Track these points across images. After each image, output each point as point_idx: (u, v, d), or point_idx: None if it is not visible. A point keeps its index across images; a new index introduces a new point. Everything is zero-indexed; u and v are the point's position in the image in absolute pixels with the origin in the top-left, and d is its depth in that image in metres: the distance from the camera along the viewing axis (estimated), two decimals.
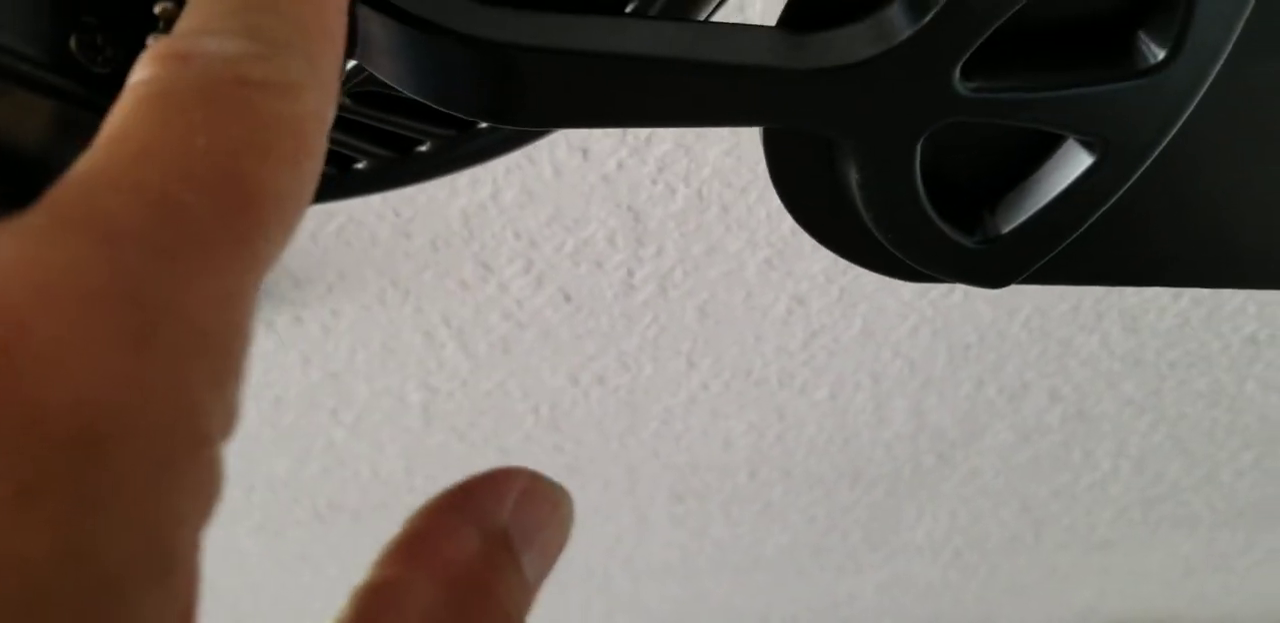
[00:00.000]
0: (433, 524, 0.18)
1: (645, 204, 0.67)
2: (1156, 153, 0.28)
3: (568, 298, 0.76)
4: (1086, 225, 0.29)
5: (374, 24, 0.24)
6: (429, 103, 0.26)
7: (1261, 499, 1.04)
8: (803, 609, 1.30)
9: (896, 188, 0.28)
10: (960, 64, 0.25)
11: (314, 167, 0.17)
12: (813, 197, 0.29)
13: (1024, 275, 0.30)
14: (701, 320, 0.79)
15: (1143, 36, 0.26)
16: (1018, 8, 0.24)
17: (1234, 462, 0.98)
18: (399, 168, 0.36)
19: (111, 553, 0.12)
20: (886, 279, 0.76)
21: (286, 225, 0.16)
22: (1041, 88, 0.26)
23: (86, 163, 0.15)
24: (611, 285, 0.74)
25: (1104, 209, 0.29)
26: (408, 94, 0.26)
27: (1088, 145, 0.28)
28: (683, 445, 0.94)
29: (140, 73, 0.16)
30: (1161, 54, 0.26)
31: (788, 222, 0.69)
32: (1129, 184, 0.28)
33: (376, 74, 0.27)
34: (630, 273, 0.74)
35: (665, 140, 0.62)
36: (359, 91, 0.31)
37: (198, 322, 0.14)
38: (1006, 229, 0.29)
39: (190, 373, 0.14)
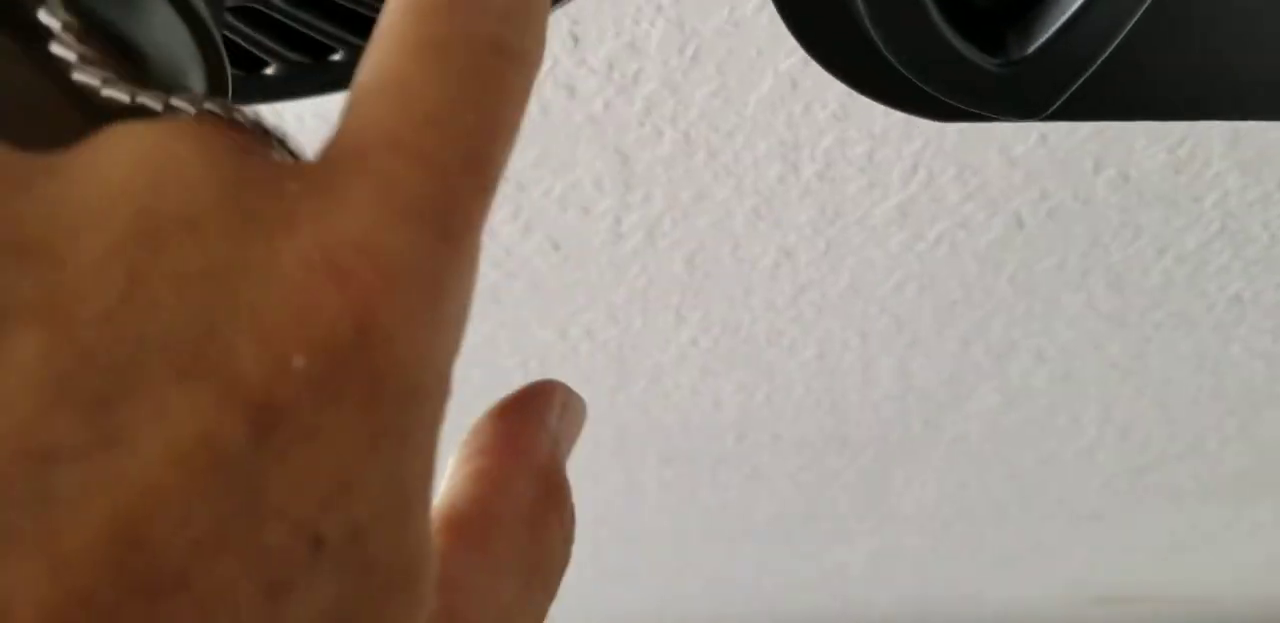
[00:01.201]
0: (516, 427, 0.21)
1: (633, 147, 0.66)
2: None
3: (556, 246, 0.75)
4: (1114, 44, 0.27)
5: None
6: None
7: (1246, 470, 1.03)
8: (794, 579, 1.29)
9: (906, 8, 0.26)
10: None
11: (516, 136, 0.18)
12: (821, 21, 0.28)
13: (1055, 104, 0.28)
14: (690, 272, 0.78)
15: None
16: None
17: (1219, 429, 0.97)
18: (312, 75, 0.35)
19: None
20: (872, 232, 0.75)
21: (502, 173, 0.17)
22: None
23: (375, 108, 0.16)
24: (599, 233, 0.74)
25: (1128, 26, 0.27)
26: None
27: None
28: (672, 403, 0.94)
29: None
30: None
31: (774, 168, 0.69)
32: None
33: None
34: (618, 220, 0.73)
35: (651, 79, 0.62)
36: None
37: (467, 298, 0.16)
38: (1030, 49, 0.27)
39: (457, 344, 0.16)
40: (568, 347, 0.86)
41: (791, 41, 0.59)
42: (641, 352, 0.87)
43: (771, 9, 0.58)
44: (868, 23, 0.26)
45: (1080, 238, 0.73)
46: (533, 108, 0.64)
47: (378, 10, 0.23)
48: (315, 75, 0.35)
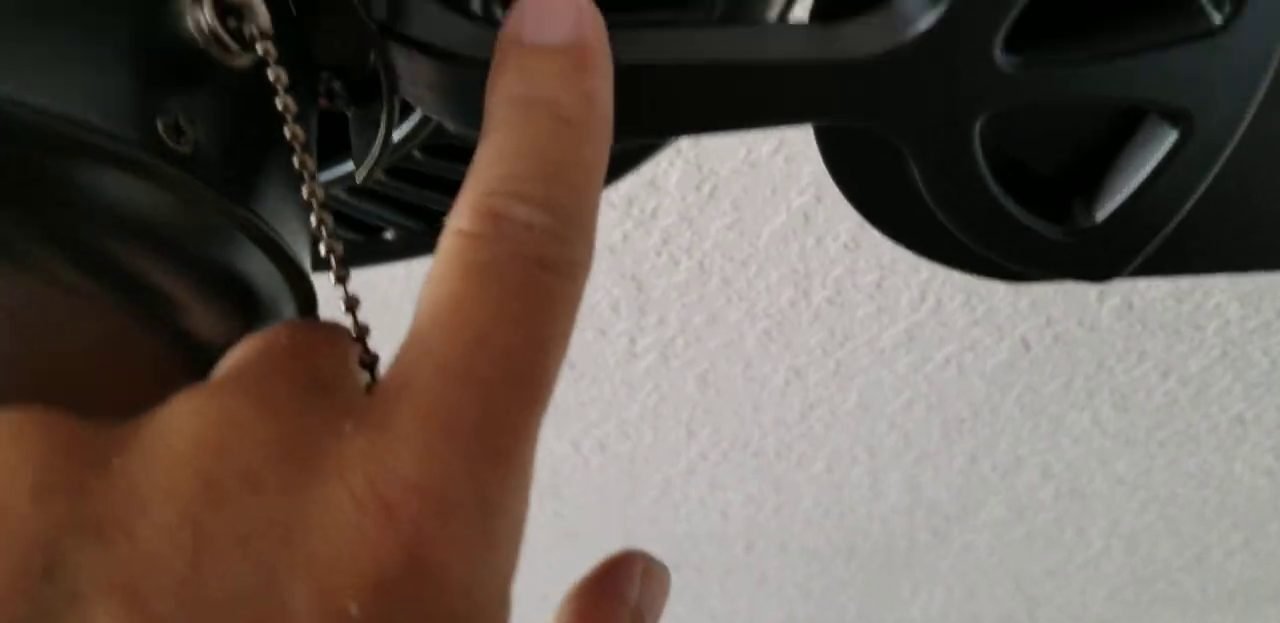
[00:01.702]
0: (598, 606, 0.22)
1: (649, 275, 0.68)
2: (1243, 125, 0.25)
3: (571, 364, 0.76)
4: (1185, 209, 0.26)
5: (406, 60, 0.24)
6: (466, 132, 0.26)
7: (1251, 581, 1.03)
8: None
9: (961, 180, 0.26)
10: (999, 41, 0.23)
11: (570, 340, 0.19)
12: (881, 196, 0.27)
13: (1126, 269, 0.27)
14: (702, 390, 0.79)
15: None
16: None
17: (1224, 542, 0.97)
18: (427, 238, 0.36)
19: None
20: (881, 354, 0.76)
21: (548, 400, 0.18)
22: (1098, 57, 0.24)
23: (428, 334, 0.17)
24: (614, 353, 0.75)
25: (1200, 190, 0.26)
26: (462, 130, 0.26)
27: (1169, 118, 0.25)
28: (681, 515, 0.94)
29: (458, 221, 0.18)
30: (1225, 9, 0.23)
31: (786, 294, 0.70)
32: (1221, 160, 0.26)
33: (428, 113, 0.27)
34: (633, 341, 0.74)
35: (669, 213, 0.63)
36: (430, 145, 0.32)
37: (521, 511, 0.17)
38: (1100, 218, 0.26)
39: (514, 556, 0.17)
40: (580, 459, 0.87)
41: (805, 180, 0.60)
42: (652, 465, 0.87)
43: (786, 151, 0.60)
44: (927, 197, 0.26)
45: (1085, 361, 0.74)
46: None
47: None
48: (430, 238, 0.36)
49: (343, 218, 0.37)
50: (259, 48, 0.20)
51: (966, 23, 0.23)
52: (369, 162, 0.28)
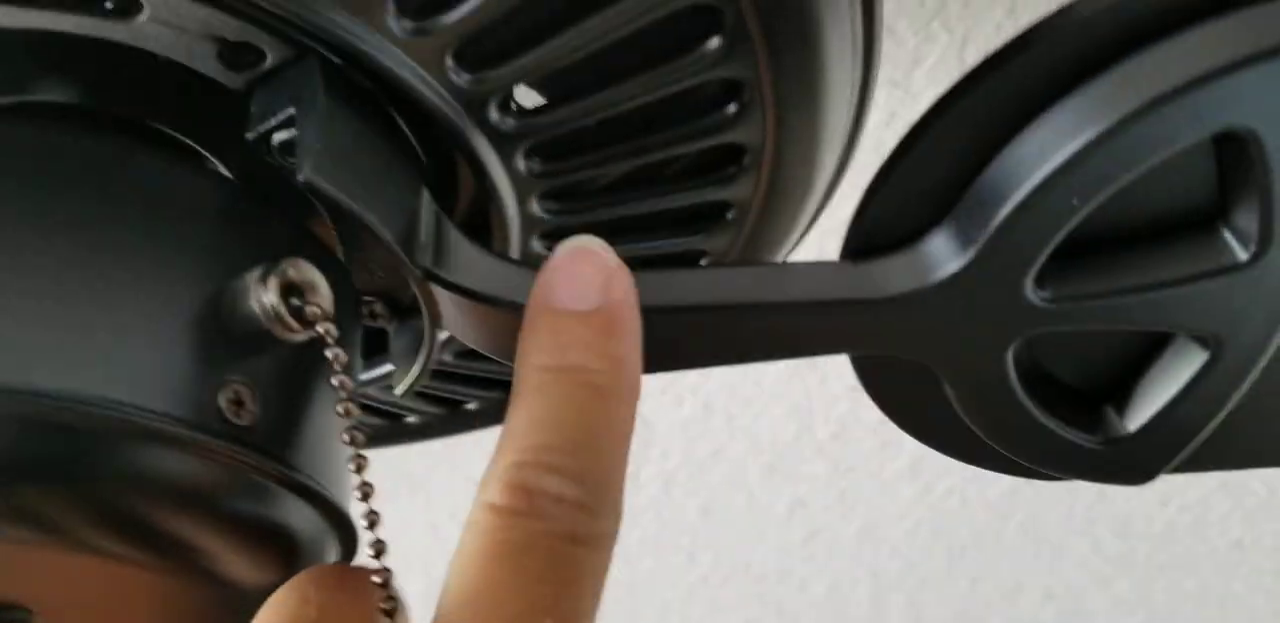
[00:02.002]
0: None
1: (654, 411, 0.68)
2: (1275, 343, 0.25)
3: None
4: (1217, 420, 0.26)
5: (450, 301, 0.25)
6: (503, 361, 0.26)
7: None
8: None
9: (997, 401, 0.26)
10: (1029, 280, 0.24)
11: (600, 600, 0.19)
12: (919, 412, 0.28)
13: (1161, 472, 0.27)
14: (703, 518, 0.78)
15: (1225, 230, 0.24)
16: (1069, 230, 0.23)
17: None
18: (448, 422, 0.37)
19: None
20: (885, 485, 0.76)
21: None
22: (1126, 291, 0.24)
23: (459, 617, 0.18)
24: None
25: (1232, 404, 0.26)
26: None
27: (1199, 340, 0.26)
28: None
29: (490, 494, 0.19)
30: (1251, 247, 0.24)
31: (790, 429, 0.71)
32: (1253, 376, 0.26)
33: (472, 346, 0.28)
34: (636, 471, 0.74)
35: None
36: (460, 350, 0.33)
37: None
38: (1133, 428, 0.27)
39: None
40: None
41: None
42: (652, 590, 0.86)
43: None
44: (963, 416, 0.27)
45: (1086, 489, 0.75)
46: None
47: (503, 373, 0.24)
48: (451, 422, 0.37)
49: (370, 409, 0.38)
50: (320, 328, 0.21)
51: (996, 265, 0.24)
52: (409, 379, 0.29)
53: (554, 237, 0.29)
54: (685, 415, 0.68)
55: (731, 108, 0.26)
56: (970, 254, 0.24)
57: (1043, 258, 0.24)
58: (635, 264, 0.24)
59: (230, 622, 0.22)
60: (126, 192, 0.22)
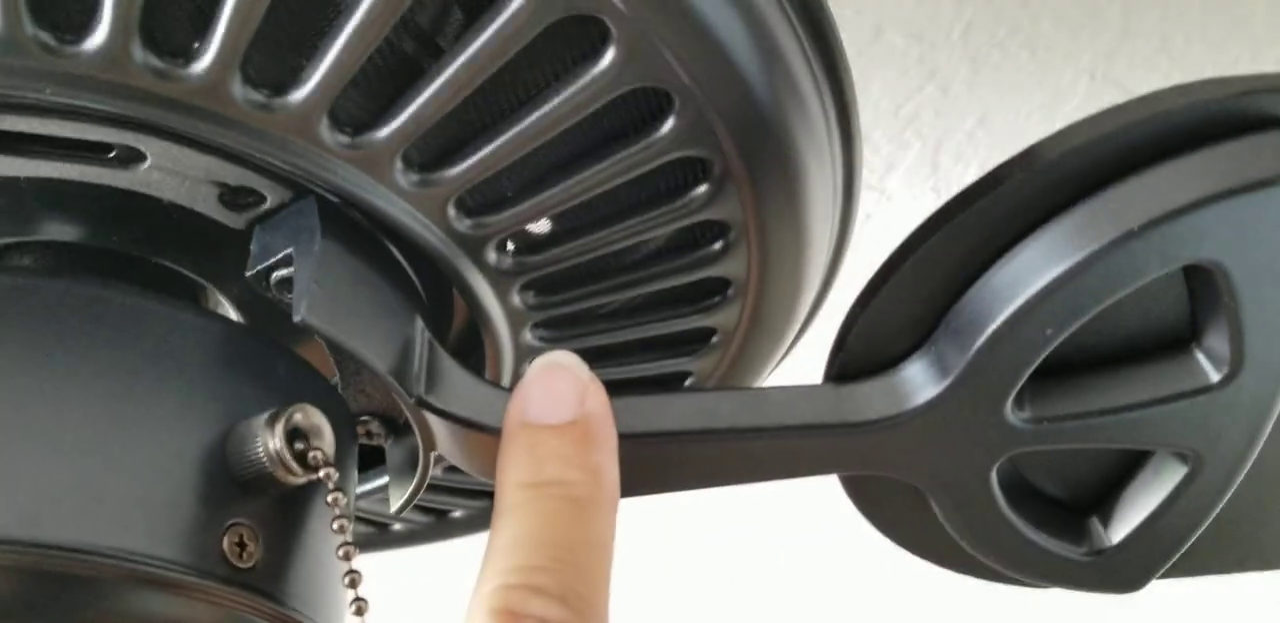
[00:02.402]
0: None
1: None
2: (1253, 456, 0.26)
3: None
4: (1200, 530, 0.27)
5: (441, 426, 0.25)
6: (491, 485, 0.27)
7: None
8: None
9: (984, 517, 0.26)
10: (1008, 403, 0.24)
11: None
12: (908, 527, 0.28)
13: (1148, 581, 0.28)
14: None
15: (1198, 352, 0.25)
16: (1046, 353, 0.23)
17: None
18: (434, 530, 0.38)
19: None
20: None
21: None
22: (1104, 412, 0.25)
23: None
24: None
25: (1213, 515, 0.27)
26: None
27: (1179, 457, 0.26)
28: None
29: (477, 618, 0.19)
30: (1223, 368, 0.24)
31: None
32: (1233, 488, 0.26)
33: (461, 469, 0.28)
34: None
35: None
36: (451, 465, 0.33)
37: None
38: (1117, 540, 0.27)
39: None
40: None
41: (814, 374, 0.61)
42: None
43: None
44: (950, 531, 0.27)
45: None
46: None
47: (489, 484, 0.25)
48: (437, 530, 0.37)
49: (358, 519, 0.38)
50: (322, 473, 0.21)
51: (975, 390, 0.24)
52: (405, 498, 0.29)
53: (548, 325, 0.30)
54: None
55: (718, 245, 0.27)
56: (948, 380, 0.24)
57: (1020, 383, 0.24)
58: (620, 386, 0.24)
59: None
60: (133, 336, 0.22)
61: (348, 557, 0.21)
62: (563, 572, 0.20)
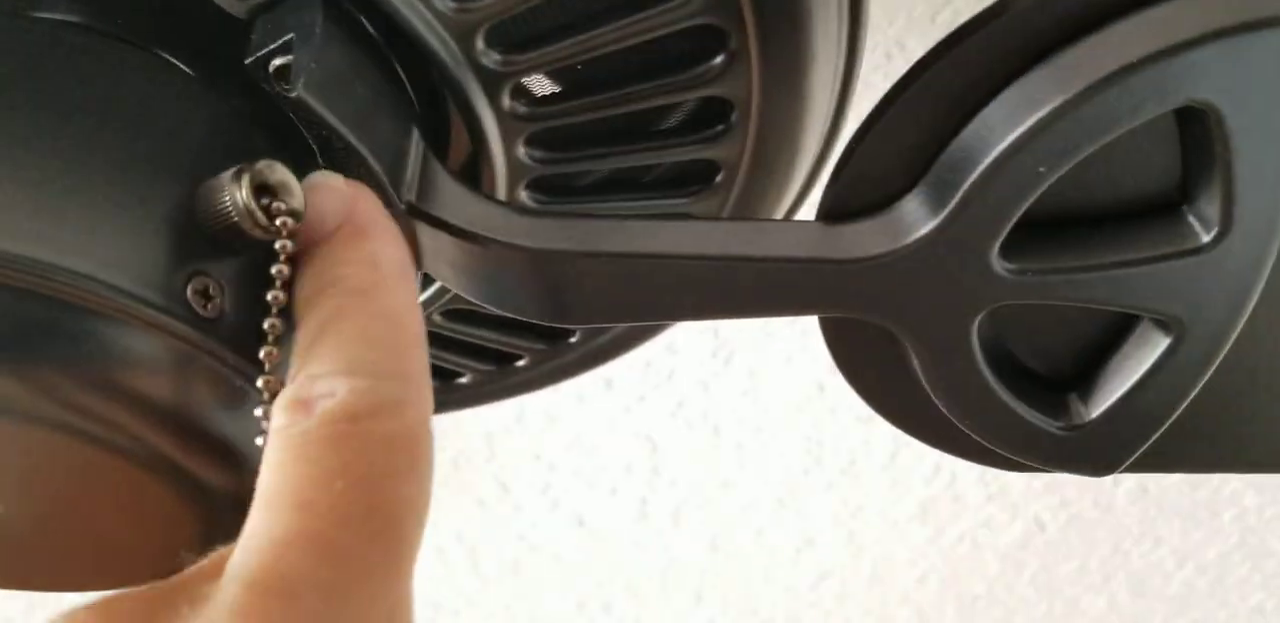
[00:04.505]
0: None
1: (663, 436, 0.68)
2: (1236, 331, 0.25)
3: (581, 522, 0.75)
4: (1179, 410, 0.27)
5: (430, 238, 0.25)
6: (490, 307, 0.27)
7: None
8: None
9: (960, 373, 0.26)
10: (995, 249, 0.24)
11: (430, 466, 0.19)
12: (884, 383, 0.28)
13: (1123, 464, 0.27)
14: (711, 554, 0.78)
15: (1189, 213, 0.25)
16: (1038, 194, 0.23)
17: None
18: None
19: None
20: (894, 525, 0.76)
21: (424, 523, 0.19)
22: (1091, 267, 0.24)
23: (257, 521, 0.18)
24: (625, 513, 0.74)
25: (1193, 392, 0.26)
26: (478, 303, 0.26)
27: (1161, 325, 0.26)
28: None
29: (276, 419, 0.19)
30: (1212, 230, 0.24)
31: (799, 462, 0.70)
32: (1215, 364, 0.26)
33: (447, 286, 0.28)
34: (644, 501, 0.74)
35: (687, 377, 0.64)
36: (449, 310, 0.33)
37: None
38: (1094, 415, 0.27)
39: None
40: (584, 619, 0.85)
41: (822, 351, 0.61)
42: None
43: (803, 323, 0.61)
44: (927, 386, 0.27)
45: (1101, 543, 0.73)
46: (570, 394, 0.66)
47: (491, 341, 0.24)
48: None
49: None
50: (279, 222, 0.21)
51: (965, 230, 0.24)
52: None
53: (540, 187, 0.30)
54: (696, 442, 0.68)
55: (718, 59, 0.26)
56: (940, 218, 0.24)
57: (1009, 224, 0.24)
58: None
59: (188, 523, 0.22)
60: (118, 86, 0.23)
61: (276, 305, 0.21)
62: (346, 349, 0.19)
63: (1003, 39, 0.23)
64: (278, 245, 0.21)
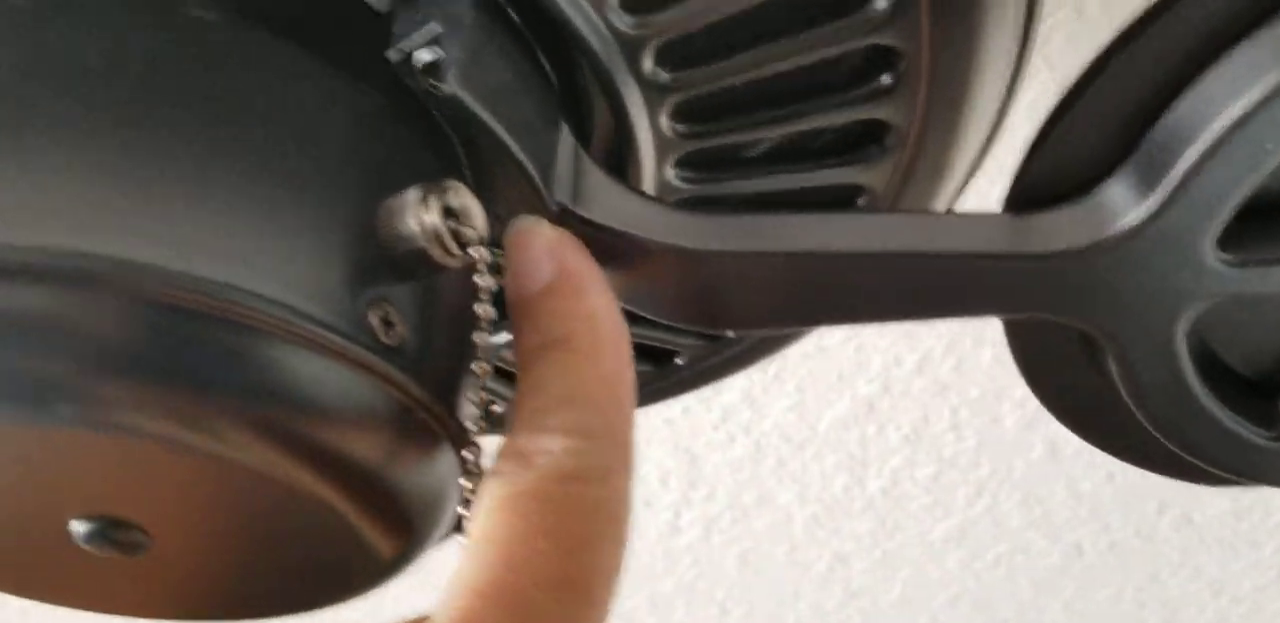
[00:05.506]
0: None
1: (703, 449, 0.67)
2: None
3: None
4: None
5: (591, 244, 0.24)
6: (641, 313, 0.25)
7: None
8: None
9: (1163, 378, 0.24)
10: (1212, 238, 0.21)
11: (628, 535, 0.20)
12: (1072, 392, 0.25)
13: None
14: (741, 569, 0.76)
15: None
16: (1264, 175, 0.21)
17: None
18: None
19: None
20: (930, 547, 0.75)
21: (615, 592, 0.19)
22: None
23: (465, 565, 0.18)
24: (657, 525, 0.73)
25: None
26: (629, 306, 0.24)
27: None
28: None
29: (497, 465, 0.20)
30: None
31: (840, 480, 0.69)
32: None
33: None
34: (677, 514, 0.72)
35: (732, 389, 0.63)
36: None
37: None
38: None
39: None
40: None
41: (874, 370, 0.60)
42: None
43: (858, 340, 0.60)
44: (1125, 395, 0.24)
45: (1138, 572, 0.72)
46: None
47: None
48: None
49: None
50: (474, 253, 0.20)
51: (1179, 217, 0.21)
52: None
53: (693, 164, 0.27)
54: (736, 455, 0.67)
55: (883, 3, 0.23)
56: (1150, 204, 0.21)
57: (1231, 209, 0.21)
58: (785, 198, 0.23)
59: (369, 538, 0.21)
60: (293, 97, 0.21)
61: (482, 347, 0.21)
62: (569, 409, 0.20)
63: (1218, 4, 0.20)
64: (480, 282, 0.20)
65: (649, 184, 0.27)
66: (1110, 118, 0.22)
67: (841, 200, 0.28)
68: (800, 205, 0.28)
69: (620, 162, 0.26)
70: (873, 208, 0.28)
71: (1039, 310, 0.23)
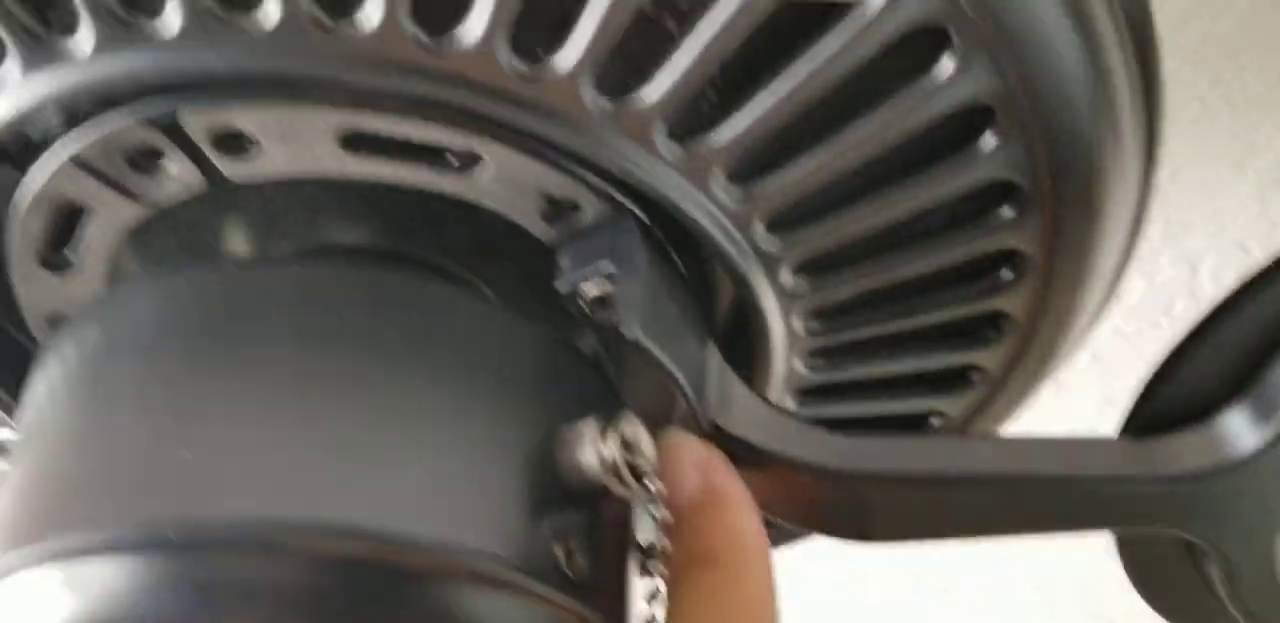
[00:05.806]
0: None
1: None
2: None
3: None
4: None
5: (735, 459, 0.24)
6: (784, 524, 0.26)
7: None
8: None
9: (1261, 582, 0.26)
10: None
11: None
12: (1178, 597, 0.27)
13: None
14: None
15: None
16: None
17: None
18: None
19: None
20: None
21: None
22: None
23: None
24: None
25: None
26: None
27: None
28: None
29: None
30: None
31: (903, 583, 0.68)
32: None
33: None
34: None
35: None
36: None
37: None
38: None
39: None
40: None
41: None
42: None
43: None
44: (1226, 601, 0.26)
45: None
46: None
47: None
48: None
49: None
50: (650, 485, 0.21)
51: None
52: None
53: (824, 355, 0.29)
54: (783, 554, 0.66)
55: (1006, 275, 0.26)
56: (1268, 434, 0.24)
57: None
58: (885, 424, 0.23)
59: None
60: (454, 332, 0.21)
61: (662, 580, 0.21)
62: None
63: None
64: (657, 514, 0.21)
65: (778, 374, 0.27)
66: (1233, 354, 0.24)
67: (955, 379, 0.29)
68: (917, 386, 0.29)
69: (749, 357, 0.27)
70: (985, 393, 0.29)
71: (1153, 527, 0.25)
